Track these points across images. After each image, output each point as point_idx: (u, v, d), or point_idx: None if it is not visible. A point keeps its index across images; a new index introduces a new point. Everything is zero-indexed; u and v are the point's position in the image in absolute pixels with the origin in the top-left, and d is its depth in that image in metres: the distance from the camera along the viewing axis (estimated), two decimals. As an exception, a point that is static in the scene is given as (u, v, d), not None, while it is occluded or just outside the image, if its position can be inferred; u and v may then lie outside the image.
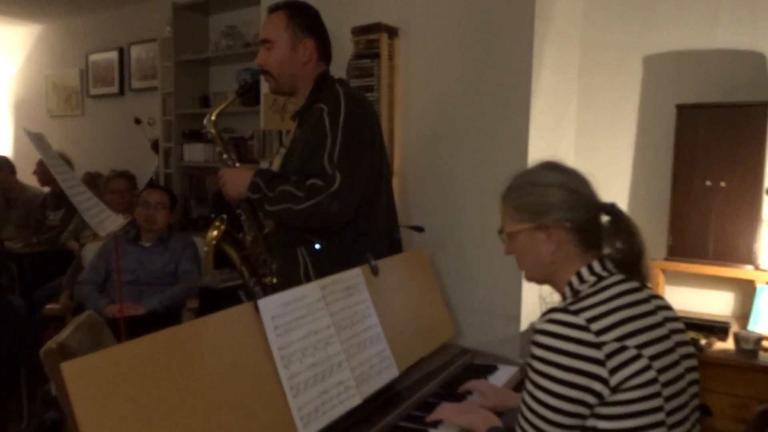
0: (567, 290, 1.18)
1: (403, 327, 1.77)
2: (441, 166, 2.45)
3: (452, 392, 1.67)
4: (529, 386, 1.07)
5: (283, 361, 1.32)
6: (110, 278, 2.94)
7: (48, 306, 3.16)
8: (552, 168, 1.22)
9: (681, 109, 2.26)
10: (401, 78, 2.52)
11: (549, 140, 2.39)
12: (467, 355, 1.92)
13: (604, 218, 1.19)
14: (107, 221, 2.09)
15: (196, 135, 4.46)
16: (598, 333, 1.02)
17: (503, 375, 1.82)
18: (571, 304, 1.08)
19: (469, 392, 1.64)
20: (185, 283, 2.97)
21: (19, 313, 3.08)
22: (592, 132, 2.61)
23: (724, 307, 2.39)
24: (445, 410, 1.46)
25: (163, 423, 1.07)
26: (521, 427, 1.09)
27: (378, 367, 1.58)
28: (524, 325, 2.28)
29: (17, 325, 2.91)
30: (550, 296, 1.27)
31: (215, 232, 1.92)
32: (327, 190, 1.68)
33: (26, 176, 4.75)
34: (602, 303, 1.07)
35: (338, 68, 2.42)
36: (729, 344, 2.06)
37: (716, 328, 2.18)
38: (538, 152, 2.28)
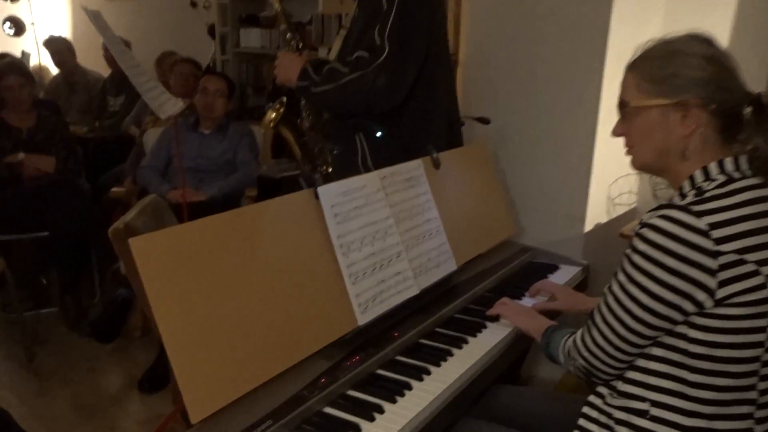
0: (686, 185, 1.06)
1: (463, 222, 1.77)
2: (510, 55, 2.34)
3: (510, 289, 1.69)
4: (622, 277, 1.02)
5: (342, 249, 1.36)
6: (171, 164, 3.03)
7: (113, 189, 3.34)
8: (702, 40, 1.07)
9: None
10: (471, -44, 2.37)
11: (633, 26, 2.23)
12: (527, 253, 1.93)
13: (747, 110, 1.05)
14: (167, 104, 2.12)
15: (252, 19, 4.39)
16: (718, 241, 0.95)
17: (564, 274, 1.82)
18: (694, 203, 0.99)
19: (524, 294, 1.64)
20: (243, 171, 3.04)
21: (87, 195, 3.24)
22: (683, 15, 2.40)
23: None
24: (505, 308, 1.47)
25: (226, 301, 1.13)
26: (601, 315, 1.07)
27: (436, 260, 1.61)
28: (589, 225, 2.24)
29: (86, 207, 3.07)
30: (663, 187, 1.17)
31: (274, 114, 1.93)
32: (374, 62, 1.63)
33: (85, 60, 4.83)
34: (729, 209, 0.98)
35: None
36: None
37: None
38: (619, 40, 2.13)
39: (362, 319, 1.36)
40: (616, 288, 1.04)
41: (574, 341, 1.15)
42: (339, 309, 1.33)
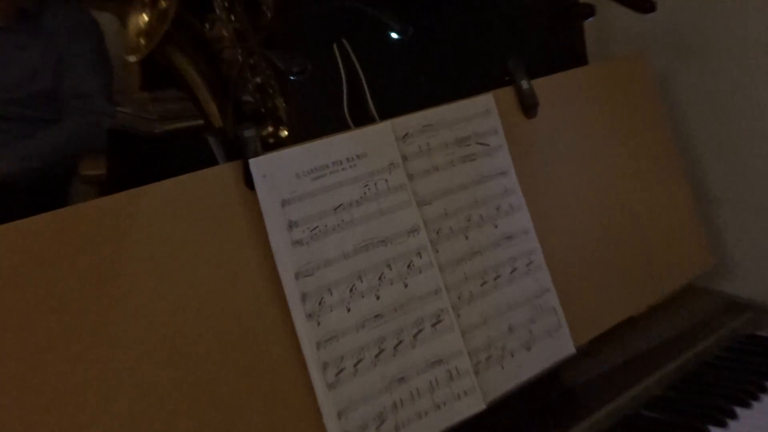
0: None
1: (592, 243, 1.79)
2: None
3: (702, 400, 1.68)
4: None
5: (306, 305, 1.35)
6: None
7: None
8: None
9: None
10: None
11: None
12: (742, 317, 1.95)
13: None
14: None
15: None
16: None
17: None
18: None
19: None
20: (78, 116, 3.08)
21: None
22: None
23: None
24: None
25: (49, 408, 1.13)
26: None
27: (527, 331, 1.60)
28: None
29: None
30: None
31: (146, 15, 1.95)
32: None
33: None
34: None
35: None
36: None
37: None
38: None
39: (354, 472, 1.36)
40: None
41: None
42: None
